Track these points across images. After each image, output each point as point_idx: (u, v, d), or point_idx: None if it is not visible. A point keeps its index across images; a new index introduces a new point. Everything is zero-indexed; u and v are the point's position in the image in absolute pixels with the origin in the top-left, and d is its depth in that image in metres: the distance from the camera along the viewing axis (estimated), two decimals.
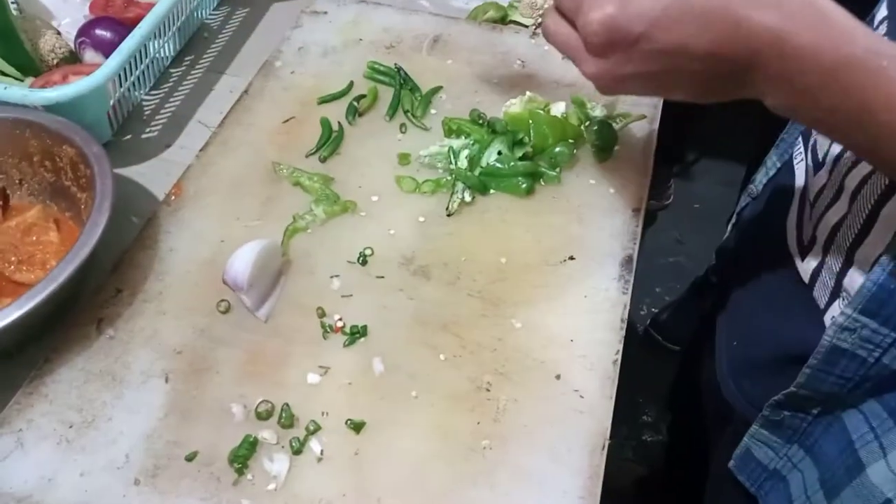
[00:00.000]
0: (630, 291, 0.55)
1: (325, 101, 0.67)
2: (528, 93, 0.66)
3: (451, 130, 0.64)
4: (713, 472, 0.75)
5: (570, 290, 0.55)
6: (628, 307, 0.54)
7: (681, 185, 1.86)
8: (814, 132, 0.56)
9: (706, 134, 1.72)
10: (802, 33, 0.36)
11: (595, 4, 0.40)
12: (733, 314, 0.67)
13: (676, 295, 1.69)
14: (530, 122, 0.63)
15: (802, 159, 0.59)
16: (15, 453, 0.46)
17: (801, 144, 0.60)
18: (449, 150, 0.62)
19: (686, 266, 1.74)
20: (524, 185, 0.60)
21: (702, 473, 0.89)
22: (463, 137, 0.64)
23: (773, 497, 0.56)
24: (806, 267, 0.51)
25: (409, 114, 0.66)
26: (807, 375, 0.50)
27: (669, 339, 1.61)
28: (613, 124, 0.64)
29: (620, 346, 0.52)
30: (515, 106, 0.65)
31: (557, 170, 0.62)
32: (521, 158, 0.61)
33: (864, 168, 0.47)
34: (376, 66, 0.69)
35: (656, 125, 0.67)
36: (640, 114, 0.66)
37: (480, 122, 0.65)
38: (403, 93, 0.68)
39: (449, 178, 0.61)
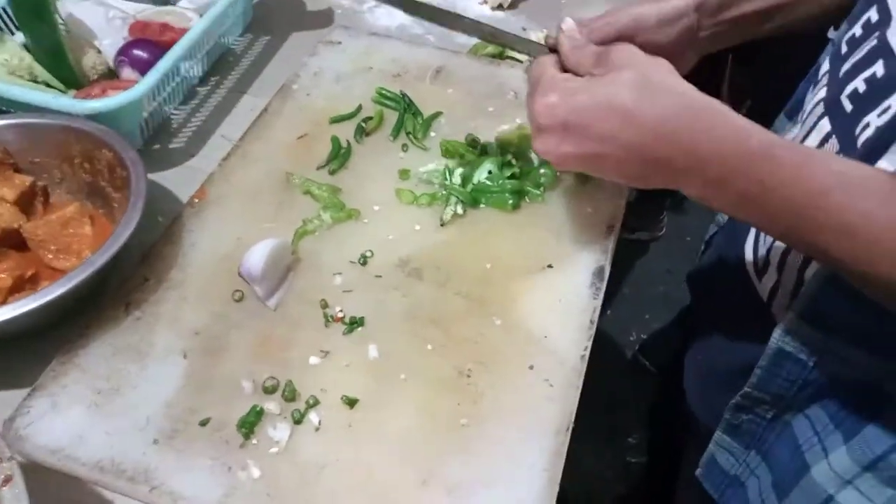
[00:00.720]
0: (600, 298, 0.62)
1: (336, 121, 0.74)
2: (517, 120, 0.73)
3: (447, 151, 0.72)
4: (681, 484, 0.80)
5: (546, 295, 0.61)
6: (598, 311, 0.61)
7: (673, 219, 1.93)
8: None
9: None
10: (707, 139, 0.44)
11: (544, 90, 0.48)
12: (700, 333, 0.73)
13: (665, 323, 1.74)
14: (519, 146, 0.70)
15: None
16: (49, 413, 0.52)
17: None
18: (445, 169, 0.70)
19: (674, 295, 1.80)
20: (511, 202, 0.67)
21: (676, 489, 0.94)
22: (458, 158, 0.71)
23: (733, 502, 0.62)
24: (763, 287, 0.57)
25: (410, 135, 0.74)
26: (758, 376, 0.55)
27: (656, 365, 1.66)
28: None
29: (589, 344, 0.58)
30: (506, 131, 0.73)
31: (541, 189, 0.69)
32: (509, 178, 0.69)
33: None
34: (384, 91, 0.77)
35: None
36: None
37: (474, 145, 0.72)
38: (407, 116, 0.75)
39: (444, 192, 0.68)
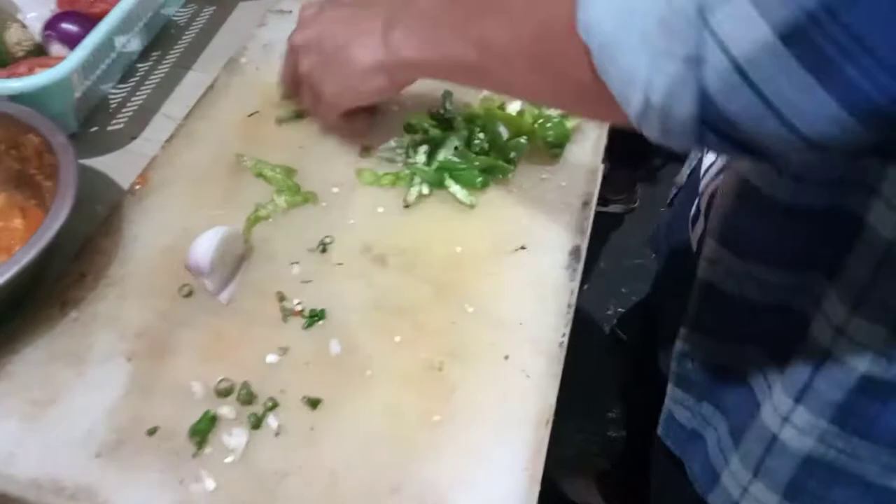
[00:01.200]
0: (578, 279, 0.58)
1: (285, 120, 0.68)
2: (484, 91, 0.69)
3: (410, 127, 0.67)
4: (653, 450, 0.79)
5: (520, 278, 0.58)
6: (575, 293, 0.57)
7: (647, 189, 1.91)
8: None
9: None
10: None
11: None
12: (660, 294, 0.71)
13: (643, 295, 1.73)
14: (486, 119, 0.66)
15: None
16: None
17: None
18: (408, 145, 0.65)
19: (651, 267, 1.79)
20: (479, 180, 0.63)
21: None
22: (421, 133, 0.66)
23: (693, 456, 0.60)
24: (694, 235, 0.57)
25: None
26: (690, 316, 0.55)
27: (634, 338, 1.65)
28: (567, 122, 0.67)
29: (567, 330, 0.55)
30: (472, 105, 0.68)
31: (512, 164, 0.65)
32: (477, 154, 0.64)
33: None
34: None
35: (606, 125, 0.70)
36: None
37: (439, 118, 0.67)
38: None
39: (407, 171, 0.64)
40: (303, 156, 0.64)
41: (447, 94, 0.68)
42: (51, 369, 0.50)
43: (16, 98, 0.58)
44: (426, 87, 0.70)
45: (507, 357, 0.53)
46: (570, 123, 0.67)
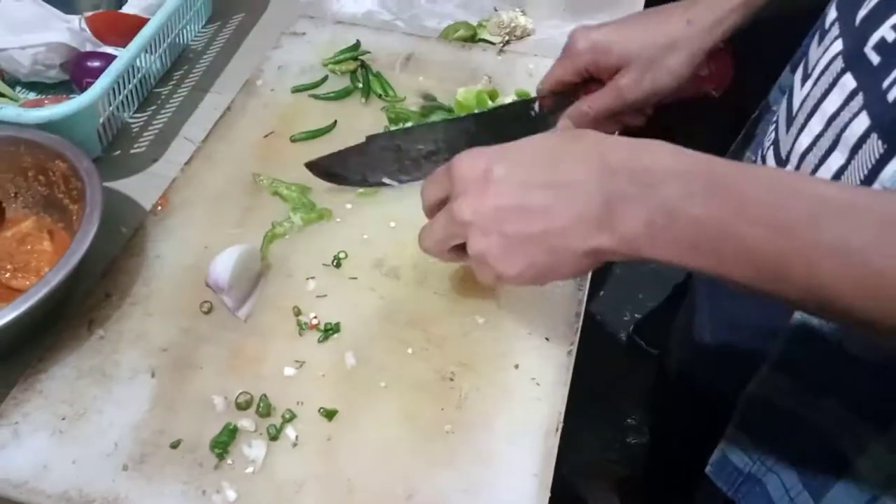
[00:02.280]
0: (585, 289, 0.60)
1: (299, 139, 0.70)
2: (485, 77, 0.70)
3: (392, 119, 0.69)
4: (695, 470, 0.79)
5: (529, 289, 0.59)
6: (583, 303, 0.58)
7: None
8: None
9: (687, 146, 1.78)
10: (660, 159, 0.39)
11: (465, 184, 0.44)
12: (705, 309, 0.71)
13: (659, 301, 1.73)
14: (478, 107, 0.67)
15: (755, 160, 0.63)
16: (12, 444, 0.49)
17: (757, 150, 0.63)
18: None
19: (667, 273, 1.78)
20: None
21: (681, 472, 0.93)
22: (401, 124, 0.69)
23: (751, 500, 0.58)
24: None
25: (382, 96, 0.73)
26: (780, 352, 0.51)
27: (652, 344, 1.64)
28: None
29: (576, 338, 0.56)
30: (465, 92, 0.70)
31: None
32: None
33: (831, 165, 0.47)
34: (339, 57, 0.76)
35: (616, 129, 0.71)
36: None
37: (426, 101, 0.69)
38: (371, 79, 0.74)
39: None
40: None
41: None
42: (79, 385, 0.52)
43: (44, 126, 0.61)
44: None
45: (516, 366, 0.54)
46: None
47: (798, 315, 0.49)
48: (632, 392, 1.56)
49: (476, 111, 0.68)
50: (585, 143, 0.41)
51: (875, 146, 0.43)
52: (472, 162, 0.44)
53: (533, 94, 0.69)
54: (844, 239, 0.34)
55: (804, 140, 0.50)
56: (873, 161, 0.43)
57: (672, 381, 1.02)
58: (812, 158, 0.49)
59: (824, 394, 0.51)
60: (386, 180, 0.63)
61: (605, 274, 1.80)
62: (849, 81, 0.46)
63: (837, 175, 0.46)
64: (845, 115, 0.46)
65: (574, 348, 0.56)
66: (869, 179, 0.43)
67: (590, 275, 0.60)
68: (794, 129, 0.52)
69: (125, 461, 0.49)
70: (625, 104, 0.61)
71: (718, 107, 0.70)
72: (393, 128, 0.69)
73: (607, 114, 0.62)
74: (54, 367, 0.53)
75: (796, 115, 0.52)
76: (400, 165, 0.63)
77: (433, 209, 0.48)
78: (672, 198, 0.37)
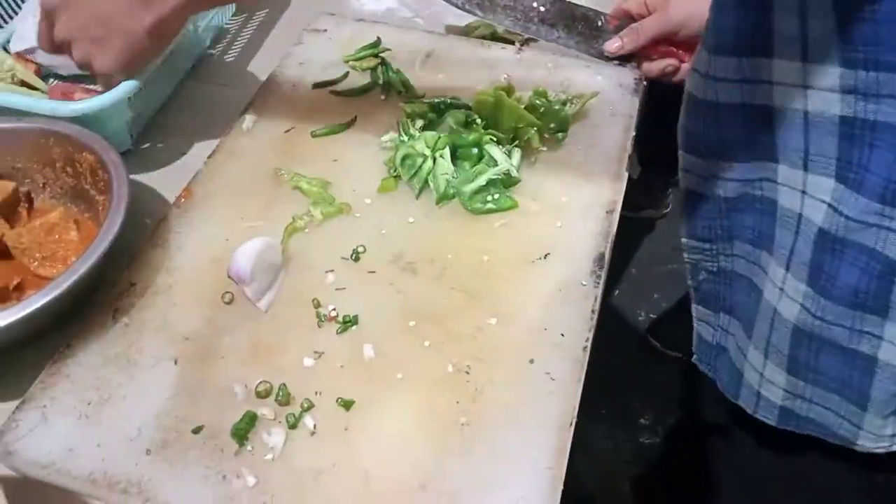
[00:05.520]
0: (602, 286, 0.60)
1: (319, 135, 0.71)
2: (505, 75, 0.71)
3: (408, 114, 0.70)
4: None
5: (545, 285, 0.59)
6: (599, 300, 0.59)
7: (678, 195, 1.90)
8: None
9: None
10: None
11: None
12: None
13: (674, 301, 1.72)
14: (493, 110, 0.68)
15: None
16: (39, 426, 0.51)
17: None
18: (402, 124, 0.69)
19: (683, 273, 1.78)
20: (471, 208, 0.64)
21: (695, 474, 0.93)
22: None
23: (722, 371, 0.64)
24: None
25: (402, 93, 0.74)
26: (684, 225, 0.60)
27: (667, 346, 1.64)
28: (569, 104, 0.70)
29: (591, 335, 0.57)
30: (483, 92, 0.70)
31: (516, 151, 0.67)
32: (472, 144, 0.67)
33: None
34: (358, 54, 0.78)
35: (632, 132, 0.71)
36: (593, 91, 0.73)
37: (437, 104, 0.70)
38: (391, 76, 0.75)
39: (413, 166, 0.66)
40: (337, 169, 0.68)
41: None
42: (104, 372, 0.54)
43: (74, 119, 0.62)
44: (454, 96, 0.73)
45: (531, 361, 0.55)
46: (574, 106, 0.70)
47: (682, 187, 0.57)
48: (645, 392, 1.56)
49: None
50: None
51: None
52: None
53: (551, 93, 0.71)
54: None
55: None
56: None
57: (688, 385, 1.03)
58: None
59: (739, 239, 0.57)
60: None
61: (619, 273, 1.80)
62: None
63: None
64: None
65: (589, 344, 0.56)
66: None
67: (605, 273, 0.61)
68: None
69: (148, 446, 0.50)
70: (671, 26, 0.72)
71: None
72: (418, 132, 0.70)
73: (656, 36, 0.74)
74: (81, 354, 0.55)
75: None
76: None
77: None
78: None
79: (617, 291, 1.79)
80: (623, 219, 0.66)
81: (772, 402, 0.60)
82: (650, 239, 1.88)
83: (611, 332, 1.68)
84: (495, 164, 0.66)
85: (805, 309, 0.52)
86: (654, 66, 0.76)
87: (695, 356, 0.67)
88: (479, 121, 0.68)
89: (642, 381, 1.57)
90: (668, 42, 0.74)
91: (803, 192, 0.49)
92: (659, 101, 0.75)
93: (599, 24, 0.78)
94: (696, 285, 0.63)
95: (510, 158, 0.67)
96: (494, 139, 0.67)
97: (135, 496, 0.48)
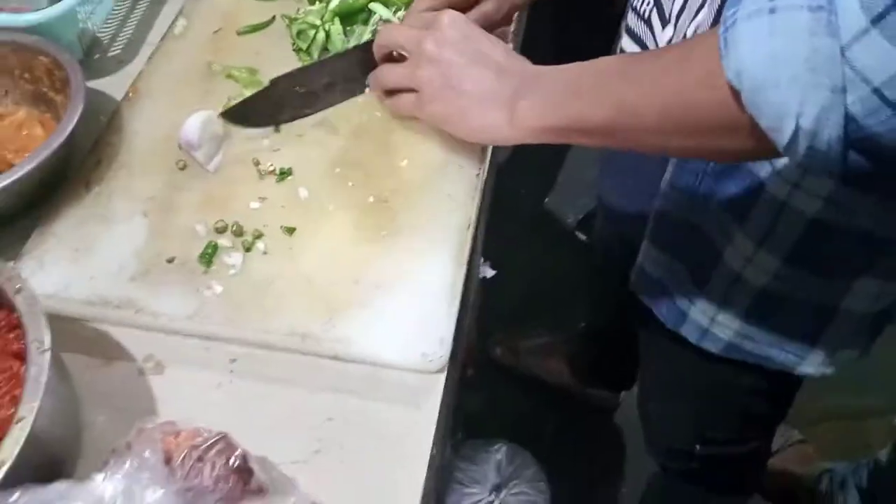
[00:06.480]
0: None
1: (244, 33, 0.81)
2: None
3: None
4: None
5: (446, 133, 0.72)
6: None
7: None
8: None
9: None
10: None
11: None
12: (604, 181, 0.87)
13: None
14: None
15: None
16: (38, 272, 0.62)
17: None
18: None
19: None
20: None
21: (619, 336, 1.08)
22: None
23: (662, 305, 0.77)
24: None
25: None
26: (670, 171, 0.70)
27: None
28: None
29: (484, 166, 0.70)
30: None
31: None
32: None
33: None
34: None
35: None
36: None
37: None
38: None
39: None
40: (261, 58, 0.79)
41: None
42: (84, 229, 0.65)
43: (30, 31, 0.71)
44: None
45: (434, 190, 0.68)
46: None
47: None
48: (581, 295, 1.69)
49: (363, 41, 0.77)
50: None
51: None
52: (449, 20, 0.64)
53: None
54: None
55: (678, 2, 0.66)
56: None
57: (600, 252, 1.18)
58: (685, 17, 0.65)
59: (710, 200, 0.67)
60: (292, 117, 0.73)
61: (548, 184, 1.95)
62: None
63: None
64: None
65: (483, 173, 0.70)
66: None
67: None
68: None
69: (132, 275, 0.62)
70: (490, 23, 0.72)
71: None
72: (312, 7, 0.80)
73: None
74: (63, 217, 0.66)
75: None
76: (303, 101, 0.74)
77: (385, 56, 0.70)
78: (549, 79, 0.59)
79: (547, 199, 1.95)
80: None
81: (719, 338, 0.72)
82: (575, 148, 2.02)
83: (544, 235, 1.84)
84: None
85: (777, 278, 0.63)
86: None
87: (632, 284, 0.79)
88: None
89: (573, 275, 1.70)
90: None
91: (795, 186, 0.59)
92: None
93: None
94: (656, 228, 0.73)
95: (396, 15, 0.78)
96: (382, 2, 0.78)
97: (127, 309, 0.60)
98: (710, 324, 0.72)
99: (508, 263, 1.49)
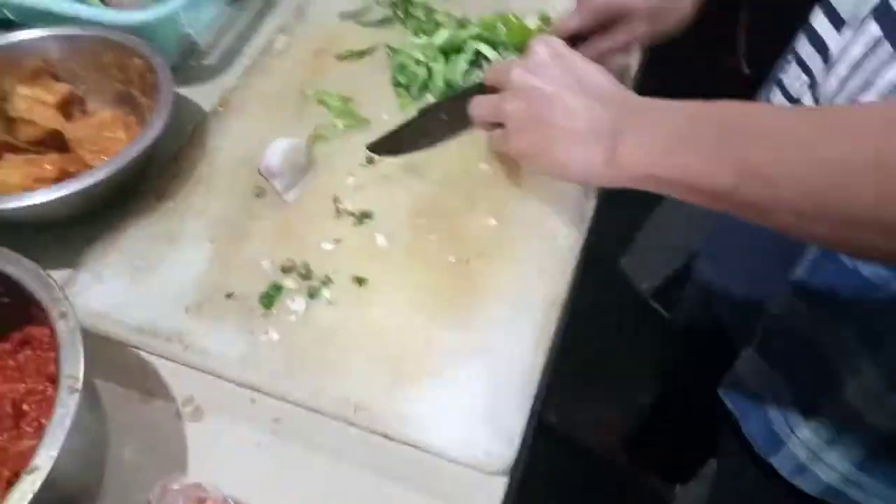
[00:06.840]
0: (594, 197, 0.66)
1: (344, 58, 0.77)
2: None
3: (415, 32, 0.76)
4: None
5: (540, 194, 0.66)
6: (591, 210, 0.65)
7: None
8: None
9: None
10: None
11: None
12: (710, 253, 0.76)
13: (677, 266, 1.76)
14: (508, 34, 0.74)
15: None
16: (94, 286, 0.59)
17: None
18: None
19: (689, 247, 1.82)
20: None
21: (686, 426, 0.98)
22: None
23: (752, 422, 0.64)
24: None
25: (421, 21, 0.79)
26: (805, 268, 0.57)
27: (670, 309, 1.69)
28: None
29: (581, 239, 0.63)
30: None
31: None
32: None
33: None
34: None
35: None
36: None
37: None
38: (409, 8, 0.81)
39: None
40: (358, 87, 0.74)
41: None
42: (150, 245, 0.61)
43: (130, 29, 0.69)
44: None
45: (524, 256, 0.61)
46: None
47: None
48: (644, 357, 1.60)
49: None
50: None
51: None
52: (543, 46, 0.57)
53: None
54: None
55: (832, 82, 0.53)
56: None
57: (681, 332, 1.08)
58: (840, 101, 0.52)
59: (839, 318, 0.55)
60: (431, 143, 0.69)
61: (626, 245, 1.85)
62: (873, 29, 0.48)
63: None
64: (872, 62, 0.48)
65: (577, 246, 0.63)
66: None
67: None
68: (825, 72, 0.54)
69: (187, 305, 0.58)
70: (599, 53, 0.66)
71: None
72: (417, 40, 0.76)
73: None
74: (130, 230, 0.62)
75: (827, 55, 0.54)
76: (445, 131, 0.70)
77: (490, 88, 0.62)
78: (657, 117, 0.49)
79: (623, 260, 1.85)
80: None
81: (819, 480, 0.59)
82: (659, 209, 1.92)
83: (615, 301, 1.74)
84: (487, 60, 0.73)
85: None
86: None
87: (721, 389, 0.66)
88: (474, 23, 0.74)
89: (642, 343, 1.61)
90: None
91: None
92: None
93: None
94: (766, 332, 0.62)
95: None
96: (488, 42, 0.73)
97: (176, 343, 0.56)
98: (812, 461, 0.60)
99: (573, 322, 1.42)
